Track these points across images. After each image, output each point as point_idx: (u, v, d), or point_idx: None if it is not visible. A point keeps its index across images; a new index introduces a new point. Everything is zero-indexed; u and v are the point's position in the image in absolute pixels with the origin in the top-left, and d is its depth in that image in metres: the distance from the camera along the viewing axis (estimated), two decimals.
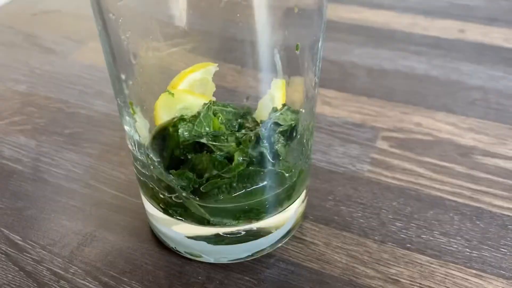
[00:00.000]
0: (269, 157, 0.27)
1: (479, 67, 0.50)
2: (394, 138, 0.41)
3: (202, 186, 0.27)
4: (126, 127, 0.27)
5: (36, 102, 0.47)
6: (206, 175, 0.27)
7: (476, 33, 0.56)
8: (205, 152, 0.27)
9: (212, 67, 0.29)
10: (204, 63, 0.29)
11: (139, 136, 0.26)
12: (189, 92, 0.29)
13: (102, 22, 0.24)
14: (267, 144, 0.27)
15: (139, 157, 0.28)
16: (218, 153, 0.27)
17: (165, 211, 0.30)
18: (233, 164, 0.27)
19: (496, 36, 0.56)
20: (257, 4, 0.24)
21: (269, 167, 0.28)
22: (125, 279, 0.30)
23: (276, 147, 0.28)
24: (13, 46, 0.56)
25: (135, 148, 0.27)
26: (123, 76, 0.25)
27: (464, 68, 0.50)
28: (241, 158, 0.27)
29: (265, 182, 0.28)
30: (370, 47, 0.54)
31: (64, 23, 0.61)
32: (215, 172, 0.27)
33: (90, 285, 0.30)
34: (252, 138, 0.27)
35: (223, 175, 0.27)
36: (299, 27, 0.26)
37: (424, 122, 0.43)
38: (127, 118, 0.27)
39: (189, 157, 0.27)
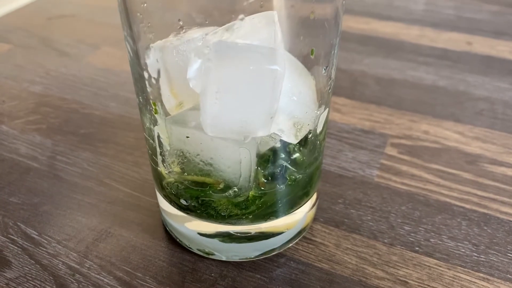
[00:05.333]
0: (286, 166, 0.28)
1: (486, 79, 0.51)
2: (403, 145, 0.42)
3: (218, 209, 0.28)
4: (147, 124, 0.28)
5: (51, 102, 0.48)
6: (225, 213, 0.28)
7: (483, 45, 0.57)
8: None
9: None
10: None
11: (161, 136, 0.27)
12: None
13: (128, 22, 0.25)
14: (283, 156, 0.28)
15: (158, 155, 0.28)
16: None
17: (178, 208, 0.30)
18: (249, 200, 0.28)
19: (503, 49, 0.57)
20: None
21: (286, 177, 0.28)
22: (139, 274, 0.31)
23: (293, 156, 0.28)
24: (29, 49, 0.58)
25: (156, 144, 0.28)
26: (146, 75, 0.26)
27: (471, 79, 0.51)
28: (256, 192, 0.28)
29: (280, 191, 0.29)
30: (380, 57, 0.55)
31: (78, 27, 0.62)
32: (235, 212, 0.28)
33: (105, 280, 0.30)
34: (270, 156, 0.28)
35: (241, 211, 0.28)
36: (315, 33, 0.27)
37: (432, 130, 0.44)
38: (148, 115, 0.27)
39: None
